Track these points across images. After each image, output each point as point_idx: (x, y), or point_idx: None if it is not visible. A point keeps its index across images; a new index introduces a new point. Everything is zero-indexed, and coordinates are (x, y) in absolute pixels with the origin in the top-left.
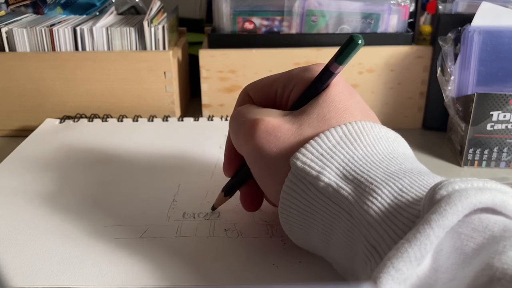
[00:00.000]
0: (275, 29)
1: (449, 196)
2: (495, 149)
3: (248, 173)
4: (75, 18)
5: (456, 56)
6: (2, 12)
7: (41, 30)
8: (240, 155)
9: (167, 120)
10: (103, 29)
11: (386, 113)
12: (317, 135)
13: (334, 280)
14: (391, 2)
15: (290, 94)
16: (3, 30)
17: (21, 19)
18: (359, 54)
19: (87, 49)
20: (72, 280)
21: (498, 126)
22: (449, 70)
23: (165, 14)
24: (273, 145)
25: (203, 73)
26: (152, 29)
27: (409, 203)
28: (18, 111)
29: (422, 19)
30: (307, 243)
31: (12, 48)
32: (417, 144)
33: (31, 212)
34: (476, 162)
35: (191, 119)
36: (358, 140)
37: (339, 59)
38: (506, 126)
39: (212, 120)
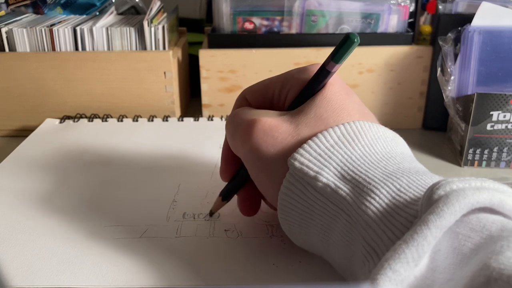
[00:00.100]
0: (275, 29)
1: (447, 196)
2: (495, 149)
3: (246, 177)
4: (75, 18)
5: (456, 56)
6: (2, 12)
7: (41, 30)
8: (237, 159)
9: (167, 120)
10: (103, 29)
11: (386, 113)
12: (315, 135)
13: (334, 280)
14: (391, 2)
15: (287, 95)
16: (3, 30)
17: (21, 19)
18: (359, 54)
19: (87, 49)
20: (72, 280)
21: (498, 126)
22: (449, 70)
23: (165, 14)
24: (271, 145)
25: (203, 73)
26: (152, 29)
27: (407, 203)
28: (18, 111)
29: (422, 19)
30: (306, 243)
31: (12, 48)
32: (417, 144)
33: (31, 212)
34: (476, 162)
35: (191, 119)
36: (356, 140)
37: (336, 57)
38: (506, 126)
39: (212, 120)
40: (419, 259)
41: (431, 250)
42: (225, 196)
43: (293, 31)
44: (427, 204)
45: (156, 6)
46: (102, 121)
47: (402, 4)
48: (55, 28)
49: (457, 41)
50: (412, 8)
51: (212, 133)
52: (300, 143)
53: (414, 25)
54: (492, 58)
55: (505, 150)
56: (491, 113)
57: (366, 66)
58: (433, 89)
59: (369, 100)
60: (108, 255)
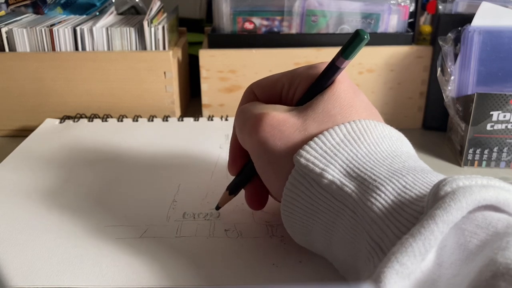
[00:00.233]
0: (275, 29)
1: (454, 192)
2: (495, 149)
3: (253, 171)
4: (75, 18)
5: (456, 56)
6: (2, 12)
7: (41, 30)
8: (244, 153)
9: (167, 120)
10: (103, 29)
11: (386, 113)
12: (322, 131)
13: (334, 280)
14: (391, 2)
15: (295, 91)
16: (3, 30)
17: (21, 19)
18: (359, 54)
19: (87, 49)
20: (72, 280)
21: (498, 126)
22: (449, 70)
23: (165, 14)
24: (278, 139)
25: (203, 73)
26: (152, 29)
27: (412, 200)
28: (18, 111)
29: (422, 19)
30: (308, 241)
31: (12, 48)
32: (417, 144)
33: (31, 212)
34: (476, 162)
35: (191, 119)
36: (362, 138)
37: (346, 53)
38: (506, 126)
39: (212, 120)
40: (426, 253)
41: (437, 245)
42: (232, 190)
43: (293, 31)
44: (433, 200)
45: (156, 6)
46: (102, 121)
47: (402, 4)
48: (55, 28)
49: (457, 41)
50: (412, 8)
51: (212, 133)
52: (307, 138)
53: (414, 25)
54: (492, 58)
55: (505, 150)
56: (491, 113)
57: (366, 66)
58: (433, 89)
59: (369, 100)
60: (108, 255)
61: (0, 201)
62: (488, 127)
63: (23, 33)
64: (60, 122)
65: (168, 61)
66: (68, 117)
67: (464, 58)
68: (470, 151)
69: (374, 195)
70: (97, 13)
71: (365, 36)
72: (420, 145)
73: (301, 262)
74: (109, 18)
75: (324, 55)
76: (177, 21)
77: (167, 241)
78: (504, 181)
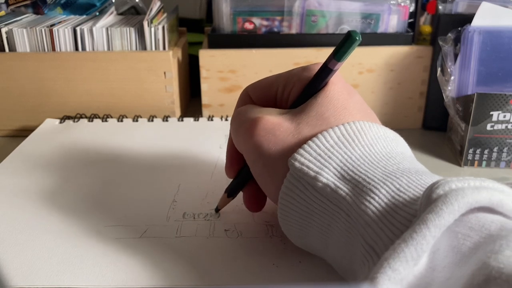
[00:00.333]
0: (275, 29)
1: (446, 195)
2: (495, 149)
3: (250, 174)
4: (75, 18)
5: (456, 56)
6: (2, 12)
7: (41, 30)
8: (241, 155)
9: (167, 120)
10: (103, 29)
11: (386, 113)
12: (315, 134)
13: (334, 281)
14: (391, 2)
15: (289, 94)
16: (3, 30)
17: (21, 19)
18: (359, 54)
19: (87, 49)
20: (72, 280)
21: (498, 126)
22: (449, 70)
23: (165, 14)
24: (272, 143)
25: (203, 73)
26: (152, 29)
27: (406, 203)
28: (18, 111)
29: (422, 19)
30: (305, 243)
31: (12, 48)
32: (417, 144)
33: (31, 212)
34: (476, 162)
35: (191, 119)
36: (356, 140)
37: (338, 55)
38: (506, 126)
39: (212, 120)
40: (418, 258)
41: (430, 249)
42: (230, 192)
43: (293, 31)
44: (426, 203)
45: (156, 6)
46: (102, 121)
47: (402, 4)
48: (55, 28)
49: (457, 41)
50: (412, 8)
51: (212, 133)
52: (301, 142)
53: (414, 25)
54: (492, 58)
55: (505, 150)
56: (491, 113)
57: (366, 66)
58: (433, 89)
59: (369, 100)
60: (108, 255)
61: (0, 201)
62: (488, 127)
63: (23, 33)
64: (60, 122)
65: (168, 61)
66: (68, 117)
67: (464, 58)
68: (470, 151)
69: (368, 198)
70: (97, 13)
71: (357, 38)
72: (420, 145)
73: (301, 262)
74: (109, 18)
75: (324, 55)
76: (177, 21)
77: (167, 241)
78: (503, 181)
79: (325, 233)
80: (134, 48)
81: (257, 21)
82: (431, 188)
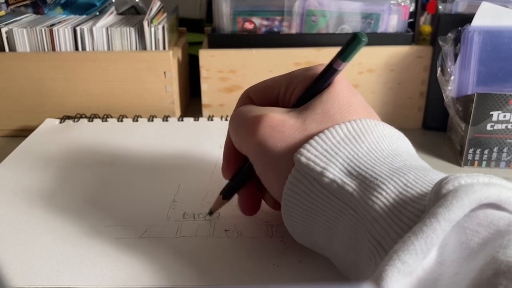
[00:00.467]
0: (275, 29)
1: (456, 190)
2: (495, 149)
3: (247, 176)
4: (75, 18)
5: (456, 56)
6: (2, 12)
7: (41, 30)
8: (239, 156)
9: (167, 120)
10: (103, 29)
11: (386, 113)
12: (322, 131)
13: (334, 280)
14: (391, 2)
15: (292, 94)
16: (3, 30)
17: (21, 19)
18: (359, 54)
19: (87, 49)
20: (72, 280)
21: (498, 126)
22: (449, 70)
23: (165, 14)
24: (278, 140)
25: (203, 73)
26: (152, 29)
27: (414, 198)
28: (18, 111)
29: (422, 19)
30: (309, 240)
31: (12, 48)
32: (417, 144)
33: (31, 212)
34: (476, 162)
35: (191, 119)
36: (362, 137)
37: (343, 56)
38: (506, 126)
39: (212, 120)
40: (428, 251)
41: (439, 243)
42: (226, 194)
43: (293, 31)
44: (435, 198)
45: (156, 6)
46: (102, 121)
47: (402, 4)
48: (55, 28)
49: (457, 41)
50: (412, 8)
51: (212, 133)
52: (307, 138)
53: (414, 25)
54: (492, 58)
55: (505, 150)
56: (491, 113)
57: (366, 66)
58: (433, 89)
59: (369, 100)
60: (108, 255)
61: (0, 201)
62: (488, 127)
63: (23, 33)
64: (60, 122)
65: (168, 61)
66: (68, 117)
67: (464, 58)
68: (470, 151)
69: (376, 193)
70: (97, 13)
71: (363, 39)
72: (420, 145)
73: (301, 262)
74: (109, 18)
75: (324, 55)
76: (177, 21)
77: (167, 241)
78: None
79: (329, 229)
80: (134, 48)
81: (257, 21)
82: (440, 184)
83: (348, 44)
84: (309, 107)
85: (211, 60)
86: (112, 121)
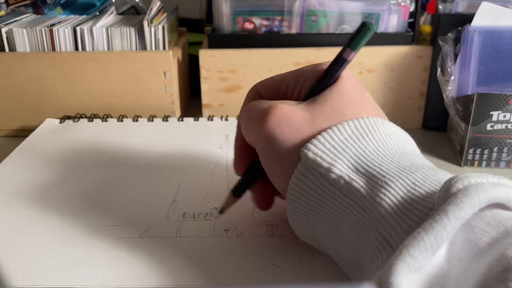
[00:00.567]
0: (275, 29)
1: (466, 189)
2: (495, 149)
3: (258, 171)
4: (75, 18)
5: (456, 56)
6: (2, 12)
7: (41, 30)
8: (250, 151)
9: (167, 120)
10: (103, 29)
11: (386, 113)
12: (330, 126)
13: (334, 280)
14: (391, 2)
15: (301, 88)
16: (3, 30)
17: (21, 19)
18: (359, 54)
19: (87, 49)
20: (72, 280)
21: (498, 126)
22: (449, 70)
23: (165, 14)
24: (287, 131)
25: (203, 73)
26: (152, 29)
27: (422, 197)
28: (18, 111)
29: (422, 19)
30: (311, 236)
31: (12, 48)
32: (417, 144)
33: (31, 212)
34: (476, 162)
35: (191, 119)
36: (370, 135)
37: (352, 44)
38: (506, 126)
39: (212, 120)
40: (437, 248)
41: (448, 241)
42: (237, 191)
43: (293, 31)
44: (445, 196)
45: (156, 6)
46: (102, 121)
47: (402, 4)
48: (55, 28)
49: (457, 41)
50: (412, 8)
51: (212, 133)
52: (316, 132)
53: (414, 25)
54: (492, 58)
55: (505, 150)
56: (491, 113)
57: (366, 66)
58: (433, 89)
59: None
60: (108, 255)
61: (0, 201)
62: (488, 127)
63: (23, 33)
64: (60, 122)
65: (168, 61)
66: (68, 117)
67: (464, 58)
68: (470, 151)
69: (384, 191)
70: (97, 13)
71: (371, 27)
72: (420, 145)
73: (301, 262)
74: (109, 18)
75: (324, 55)
76: (177, 21)
77: (167, 241)
78: None
79: (333, 225)
80: (134, 48)
81: (257, 21)
82: (450, 182)
83: (357, 33)
84: (319, 100)
85: (211, 60)
86: (112, 121)
